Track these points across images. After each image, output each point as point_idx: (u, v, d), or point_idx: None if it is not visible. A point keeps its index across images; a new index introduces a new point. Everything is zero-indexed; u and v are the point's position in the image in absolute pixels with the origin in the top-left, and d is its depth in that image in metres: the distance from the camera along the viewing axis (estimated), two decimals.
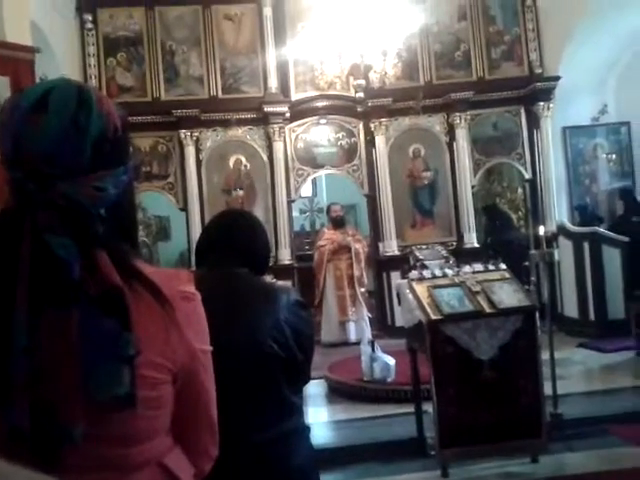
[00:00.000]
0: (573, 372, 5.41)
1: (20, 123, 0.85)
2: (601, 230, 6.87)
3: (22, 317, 0.79)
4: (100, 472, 0.85)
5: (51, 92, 0.87)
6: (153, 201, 8.45)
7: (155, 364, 0.88)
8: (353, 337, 7.30)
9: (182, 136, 7.60)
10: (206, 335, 0.99)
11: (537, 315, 3.73)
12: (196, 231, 7.27)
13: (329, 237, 7.70)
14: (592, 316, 6.71)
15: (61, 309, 0.80)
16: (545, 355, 3.92)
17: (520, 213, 8.23)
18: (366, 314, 7.52)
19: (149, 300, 0.88)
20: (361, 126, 8.01)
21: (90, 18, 7.52)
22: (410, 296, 3.84)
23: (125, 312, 0.83)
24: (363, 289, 7.58)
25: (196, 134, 7.66)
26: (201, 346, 0.97)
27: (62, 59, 6.72)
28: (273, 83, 7.79)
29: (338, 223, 7.79)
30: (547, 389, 3.83)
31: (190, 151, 7.63)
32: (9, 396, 0.79)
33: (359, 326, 7.40)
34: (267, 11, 7.82)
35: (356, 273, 7.51)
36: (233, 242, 1.71)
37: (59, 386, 0.80)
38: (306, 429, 1.67)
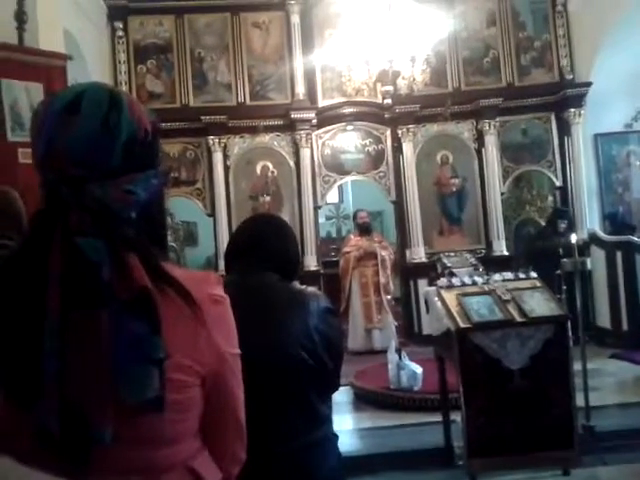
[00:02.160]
0: (606, 383, 5.28)
1: (53, 125, 0.85)
2: (634, 239, 6.72)
3: (54, 319, 0.79)
4: (127, 475, 0.85)
5: (84, 95, 0.87)
6: (181, 207, 8.51)
7: (184, 367, 0.88)
8: (379, 345, 7.22)
9: (210, 142, 7.66)
10: (235, 339, 0.99)
11: (569, 325, 3.65)
12: (223, 237, 7.30)
13: (355, 243, 7.67)
14: (625, 326, 6.56)
15: (90, 311, 0.80)
16: (577, 366, 3.83)
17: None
18: (392, 322, 7.45)
19: (178, 303, 0.88)
20: (388, 133, 7.98)
21: (121, 26, 7.64)
22: (439, 304, 3.79)
23: (155, 315, 0.83)
24: (389, 296, 7.52)
25: (224, 140, 7.72)
26: (230, 350, 0.96)
27: (93, 66, 6.83)
28: (300, 90, 7.81)
29: (364, 229, 7.75)
30: (579, 400, 3.74)
31: (218, 157, 7.68)
32: (39, 398, 0.78)
33: (385, 334, 7.33)
34: (295, 18, 7.86)
35: (382, 280, 7.45)
36: (264, 247, 1.68)
37: (89, 388, 0.80)
38: (334, 438, 1.64)
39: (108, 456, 0.82)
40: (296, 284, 1.74)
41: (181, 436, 0.90)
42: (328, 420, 1.62)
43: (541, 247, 6.64)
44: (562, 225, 6.83)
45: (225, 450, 1.00)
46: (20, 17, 4.35)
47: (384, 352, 5.93)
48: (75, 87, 0.91)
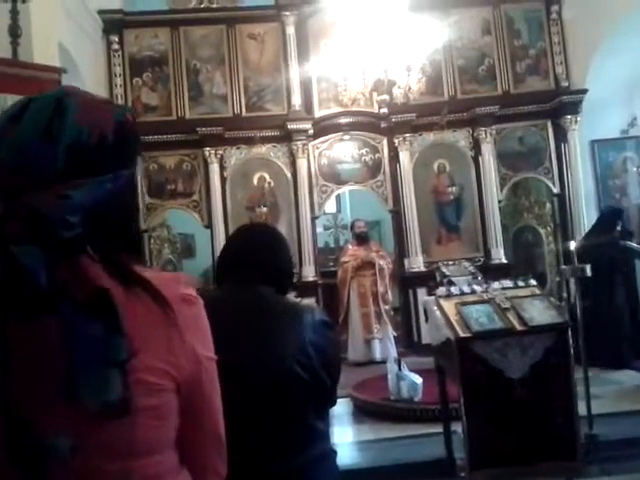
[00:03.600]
0: (608, 391, 5.24)
1: None
2: (634, 245, 6.69)
3: None
4: None
5: (30, 103, 0.86)
6: (178, 219, 8.49)
7: (156, 369, 0.85)
8: (378, 356, 7.18)
9: (206, 154, 7.65)
10: (210, 341, 0.95)
11: (569, 332, 3.62)
12: (221, 248, 7.26)
13: (353, 253, 7.64)
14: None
15: (32, 319, 0.78)
16: (578, 373, 3.79)
17: (549, 228, 8.08)
18: (391, 332, 7.40)
19: (149, 303, 0.85)
20: (385, 142, 7.98)
21: (116, 39, 7.66)
22: (438, 313, 3.75)
23: (113, 314, 0.80)
24: (387, 306, 7.47)
25: (220, 152, 7.71)
26: (205, 352, 0.93)
27: (89, 79, 6.83)
28: (296, 100, 7.82)
29: (362, 239, 7.73)
30: (581, 409, 3.70)
31: (214, 169, 7.67)
32: None
33: (384, 344, 7.29)
34: (290, 29, 7.88)
35: (380, 290, 7.41)
36: (257, 259, 1.63)
37: (38, 400, 0.77)
38: (332, 454, 1.59)
39: (77, 469, 0.79)
40: (290, 297, 1.69)
41: (157, 446, 0.87)
42: (325, 436, 1.57)
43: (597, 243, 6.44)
44: (618, 228, 6.64)
45: (205, 465, 0.97)
46: (14, 31, 4.34)
47: (384, 362, 5.89)
48: (28, 97, 0.89)
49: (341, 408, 5.27)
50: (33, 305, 0.78)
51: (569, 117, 7.71)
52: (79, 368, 0.77)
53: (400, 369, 5.06)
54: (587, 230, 7.13)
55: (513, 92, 7.95)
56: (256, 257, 1.64)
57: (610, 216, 6.60)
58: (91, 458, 0.80)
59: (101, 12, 7.40)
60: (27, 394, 0.77)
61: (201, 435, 0.95)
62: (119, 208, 0.91)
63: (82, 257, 0.82)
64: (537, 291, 3.88)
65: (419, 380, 4.95)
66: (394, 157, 7.90)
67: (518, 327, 3.55)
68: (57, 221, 0.81)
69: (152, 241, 7.86)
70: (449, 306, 3.72)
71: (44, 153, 0.83)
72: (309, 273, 7.68)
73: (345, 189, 8.48)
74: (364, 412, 5.21)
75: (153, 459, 0.86)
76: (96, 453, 0.80)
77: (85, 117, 0.86)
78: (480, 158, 7.85)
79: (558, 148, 7.88)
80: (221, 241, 7.43)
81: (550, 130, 7.94)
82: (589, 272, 4.33)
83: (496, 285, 3.94)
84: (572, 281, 4.51)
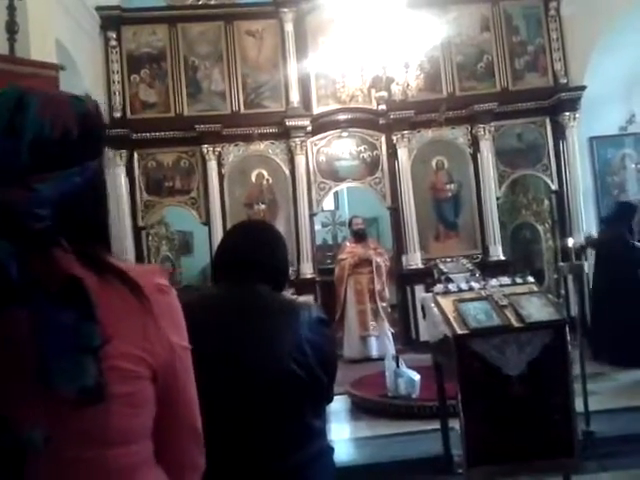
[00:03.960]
0: (605, 388, 5.25)
1: None
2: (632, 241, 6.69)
3: None
4: (79, 477, 0.82)
5: None
6: (176, 216, 8.49)
7: (132, 356, 0.86)
8: (375, 353, 7.19)
9: (204, 151, 7.64)
10: (184, 331, 0.97)
11: (567, 329, 3.62)
12: (217, 246, 7.26)
13: (350, 250, 7.64)
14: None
15: (2, 311, 0.78)
16: (576, 370, 3.80)
17: (547, 225, 8.08)
18: (388, 329, 7.40)
19: (124, 292, 0.87)
20: (383, 139, 7.97)
21: (114, 36, 7.64)
22: (435, 310, 3.75)
23: (86, 302, 0.81)
24: (384, 303, 7.47)
25: (218, 149, 7.70)
26: (180, 342, 0.94)
27: (86, 76, 6.82)
28: (295, 97, 7.80)
29: (359, 236, 7.72)
30: (578, 406, 3.70)
31: (212, 166, 7.66)
32: None
33: (381, 341, 7.29)
34: (288, 26, 7.87)
35: (377, 287, 7.41)
36: (253, 256, 1.63)
37: (12, 393, 0.78)
38: (329, 451, 1.59)
39: (53, 458, 0.80)
40: (287, 294, 1.69)
41: (133, 435, 0.87)
42: (322, 433, 1.57)
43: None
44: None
45: (183, 457, 0.97)
46: (11, 27, 4.32)
47: (380, 359, 5.90)
48: None
49: (338, 405, 5.28)
50: (4, 297, 0.78)
51: (567, 114, 7.70)
52: (52, 356, 0.78)
53: (398, 366, 5.06)
54: (602, 221, 7.09)
55: (512, 89, 7.94)
56: (253, 255, 1.63)
57: (625, 210, 6.54)
58: (66, 447, 0.81)
59: (99, 8, 7.38)
60: (1, 388, 0.78)
61: (177, 426, 0.96)
62: (88, 200, 0.92)
63: (55, 249, 0.83)
64: (535, 288, 3.88)
65: (417, 377, 4.95)
66: (392, 154, 7.89)
67: (516, 324, 3.55)
68: (26, 214, 0.81)
69: (150, 238, 7.86)
70: (447, 303, 3.72)
71: (7, 148, 0.84)
72: (307, 270, 7.68)
73: (343, 186, 8.47)
74: (361, 409, 5.21)
75: (128, 449, 0.86)
76: (71, 442, 0.81)
77: (46, 111, 0.87)
78: (478, 155, 7.85)
79: (556, 145, 7.87)
80: (219, 238, 7.38)
81: (549, 127, 7.93)
82: (586, 269, 4.33)
83: (494, 282, 3.94)
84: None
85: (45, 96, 0.89)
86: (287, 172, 7.85)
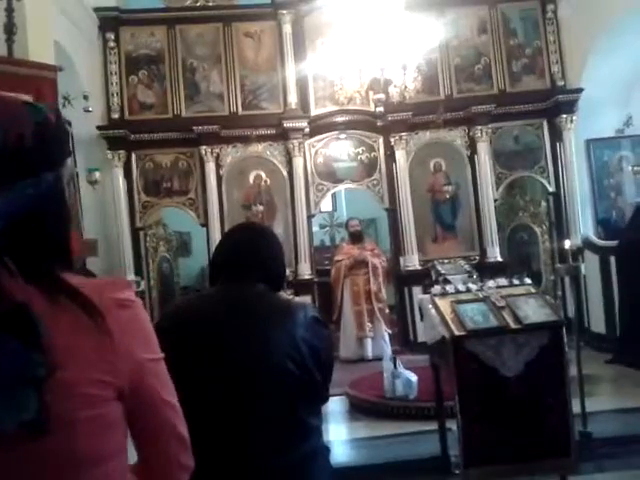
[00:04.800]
0: (602, 389, 5.27)
1: None
2: None
3: None
4: None
5: None
6: (174, 217, 8.49)
7: (92, 380, 0.83)
8: (370, 354, 7.21)
9: (202, 152, 7.65)
10: (152, 343, 0.94)
11: (564, 330, 3.63)
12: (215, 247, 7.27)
13: (347, 252, 7.65)
14: (619, 331, 6.55)
15: None
16: (573, 371, 3.81)
17: (544, 227, 8.10)
18: (385, 330, 7.41)
19: (78, 313, 0.83)
20: (381, 141, 7.99)
21: (112, 37, 7.65)
22: (433, 311, 3.77)
23: (32, 329, 0.76)
24: (381, 305, 7.47)
25: (216, 150, 7.71)
26: (147, 355, 0.91)
27: (85, 77, 6.83)
28: (293, 99, 7.82)
29: (356, 238, 7.74)
30: (575, 407, 3.71)
31: (210, 167, 7.67)
32: None
33: (377, 343, 7.30)
34: (286, 28, 7.88)
35: (373, 288, 7.42)
36: (247, 257, 1.66)
37: None
38: (325, 450, 1.60)
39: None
40: (283, 294, 1.71)
41: (104, 455, 0.85)
42: (318, 432, 1.58)
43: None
44: None
45: (169, 460, 0.96)
46: (9, 29, 4.33)
47: (376, 360, 5.91)
48: None
49: (336, 406, 5.28)
50: None
51: (565, 116, 7.72)
52: None
53: (395, 367, 5.07)
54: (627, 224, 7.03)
55: (509, 91, 7.96)
56: (249, 256, 1.66)
57: None
58: (27, 472, 0.78)
59: (97, 10, 7.39)
60: None
61: (158, 432, 0.94)
62: (44, 213, 0.86)
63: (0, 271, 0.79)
64: (532, 289, 3.90)
65: (414, 378, 4.96)
66: (390, 156, 7.90)
67: (513, 325, 3.56)
68: None
69: (148, 239, 7.85)
70: (444, 304, 3.73)
71: None
72: (305, 271, 7.69)
73: (341, 187, 8.48)
74: (359, 410, 5.22)
75: (103, 468, 0.84)
76: (32, 467, 0.78)
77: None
78: (476, 157, 7.87)
79: (554, 147, 7.89)
80: (217, 239, 7.37)
81: (546, 129, 7.95)
82: (583, 270, 4.34)
83: (491, 283, 3.95)
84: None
85: None
86: (285, 173, 7.86)
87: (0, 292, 0.78)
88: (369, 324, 7.34)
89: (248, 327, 1.52)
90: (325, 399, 1.65)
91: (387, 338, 7.38)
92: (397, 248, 7.93)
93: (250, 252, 1.67)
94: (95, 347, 0.84)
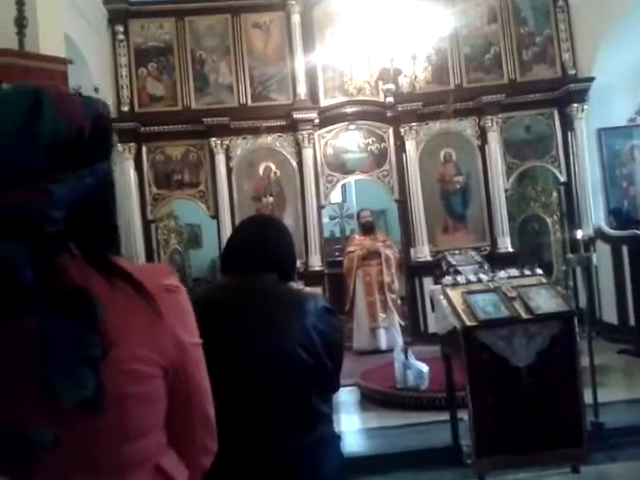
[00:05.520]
0: (614, 379, 5.25)
1: None
2: None
3: None
4: (94, 471, 0.85)
5: (3, 100, 0.86)
6: (184, 209, 8.52)
7: (142, 358, 0.88)
8: (384, 345, 7.21)
9: (212, 144, 7.66)
10: (194, 328, 0.99)
11: (575, 321, 3.63)
12: (227, 239, 7.29)
13: (359, 243, 7.65)
14: (632, 322, 6.52)
15: (12, 316, 0.79)
16: (584, 362, 3.80)
17: (555, 217, 8.06)
18: (397, 321, 7.42)
19: (131, 294, 0.88)
20: (391, 131, 7.96)
21: (121, 29, 7.65)
22: (444, 302, 3.77)
23: (90, 313, 0.82)
24: (394, 295, 7.48)
25: (226, 142, 7.71)
26: (189, 339, 0.96)
27: (94, 70, 6.84)
28: (302, 90, 7.80)
29: (368, 229, 7.74)
30: (587, 397, 3.71)
31: (220, 159, 7.68)
32: None
33: (390, 333, 7.31)
34: (295, 18, 7.85)
35: (386, 279, 7.42)
36: (261, 249, 1.68)
37: (19, 394, 0.80)
38: (336, 438, 1.63)
39: (67, 453, 0.82)
40: (294, 285, 1.73)
41: (147, 430, 0.91)
42: (328, 420, 1.60)
43: None
44: None
45: (194, 441, 1.01)
46: (20, 22, 4.34)
47: (389, 351, 5.92)
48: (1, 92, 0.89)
49: (348, 396, 5.31)
50: (14, 302, 0.79)
51: (576, 105, 7.65)
52: (53, 366, 0.79)
53: (407, 358, 5.08)
54: None
55: (519, 80, 7.90)
56: (259, 247, 1.68)
57: None
58: (79, 444, 0.83)
59: (106, 2, 7.39)
60: (9, 391, 0.79)
61: (189, 415, 0.99)
62: (98, 201, 0.92)
63: (61, 255, 0.84)
64: (543, 280, 3.89)
65: (425, 369, 4.97)
66: (400, 146, 7.88)
67: (524, 316, 3.56)
68: (42, 217, 0.82)
69: (159, 231, 7.89)
70: (455, 295, 3.73)
71: (23, 149, 0.83)
72: (315, 263, 7.70)
73: (351, 179, 8.46)
74: (371, 400, 5.24)
75: (143, 441, 0.90)
76: (84, 439, 0.84)
77: (62, 112, 0.86)
78: (486, 147, 7.82)
79: (565, 136, 7.83)
80: (227, 231, 7.44)
81: (557, 118, 7.89)
82: (595, 260, 4.33)
83: (502, 274, 3.95)
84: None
85: (59, 96, 0.89)
86: (295, 165, 7.86)
87: (61, 276, 0.82)
88: (382, 315, 7.35)
89: (260, 317, 1.54)
90: (336, 387, 1.67)
91: (399, 329, 7.38)
92: (407, 239, 7.92)
93: (260, 243, 1.69)
94: (145, 327, 0.89)
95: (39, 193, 0.82)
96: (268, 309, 1.56)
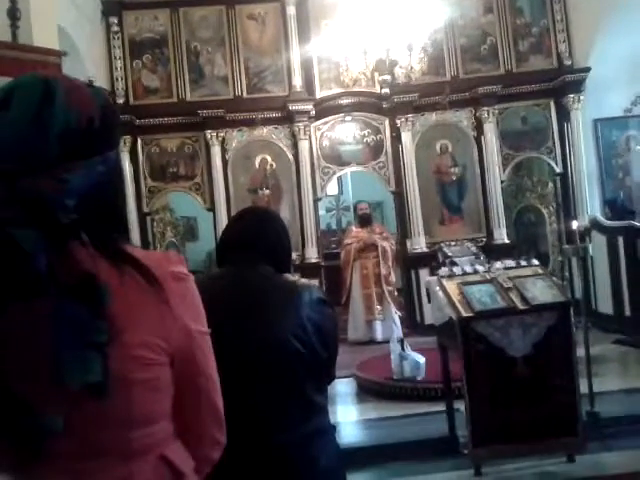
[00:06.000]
0: (609, 369, 5.27)
1: None
2: (636, 224, 6.69)
3: None
4: (100, 458, 0.85)
5: (14, 90, 0.87)
6: (180, 202, 8.50)
7: (150, 344, 0.88)
8: (380, 336, 7.23)
9: (208, 136, 7.63)
10: (202, 316, 0.99)
11: (571, 311, 3.64)
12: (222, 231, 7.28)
13: (355, 235, 7.66)
14: (628, 312, 6.55)
15: (26, 301, 0.80)
16: (580, 352, 3.82)
17: (551, 208, 8.07)
18: (394, 312, 7.43)
19: (140, 281, 0.88)
20: (387, 122, 7.95)
21: (116, 21, 7.61)
22: (440, 293, 3.78)
23: (98, 299, 0.83)
24: (390, 287, 7.49)
25: (222, 134, 7.69)
26: (197, 327, 0.96)
27: (89, 62, 6.80)
28: (298, 81, 7.77)
29: (364, 221, 7.74)
30: (583, 387, 3.73)
31: (216, 151, 7.66)
32: None
33: (386, 325, 7.32)
34: (291, 9, 7.81)
35: (383, 271, 7.43)
36: (256, 240, 1.68)
37: (30, 378, 0.80)
38: (331, 429, 1.63)
39: (75, 439, 0.83)
40: (289, 276, 1.73)
41: (154, 417, 0.91)
42: (324, 411, 1.60)
43: None
44: None
45: (202, 433, 1.00)
46: (13, 14, 4.31)
47: (385, 342, 5.93)
48: (11, 82, 0.90)
49: (345, 387, 5.32)
50: (29, 289, 0.80)
51: (572, 96, 7.65)
52: (62, 350, 0.80)
53: (403, 349, 5.09)
54: None
55: (515, 71, 7.89)
56: (254, 238, 1.68)
57: None
58: (86, 430, 0.84)
59: None
60: (23, 375, 0.80)
61: (197, 405, 0.98)
62: (108, 189, 0.94)
63: (73, 242, 0.85)
64: (539, 270, 3.90)
65: (422, 359, 4.98)
66: (396, 138, 7.87)
67: (520, 306, 3.57)
68: (57, 205, 0.84)
69: (155, 224, 7.88)
70: (451, 286, 3.74)
71: (37, 139, 0.84)
72: (312, 255, 7.70)
73: (347, 170, 8.45)
74: (367, 391, 5.25)
75: (150, 429, 0.90)
76: (92, 425, 0.84)
77: (73, 102, 0.88)
78: (482, 138, 7.82)
79: (561, 127, 7.83)
80: (223, 224, 7.38)
81: (553, 109, 7.89)
82: (591, 251, 4.33)
83: (498, 265, 3.96)
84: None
85: (69, 87, 0.90)
86: (291, 157, 7.84)
87: (72, 263, 0.83)
88: (378, 307, 7.36)
89: (254, 307, 1.54)
90: (331, 378, 1.68)
91: (397, 320, 7.40)
92: (404, 231, 7.92)
93: (255, 234, 1.69)
94: (153, 314, 0.90)
95: (53, 182, 0.84)
96: (262, 300, 1.56)
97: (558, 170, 7.88)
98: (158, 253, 1.03)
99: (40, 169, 0.84)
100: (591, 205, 7.62)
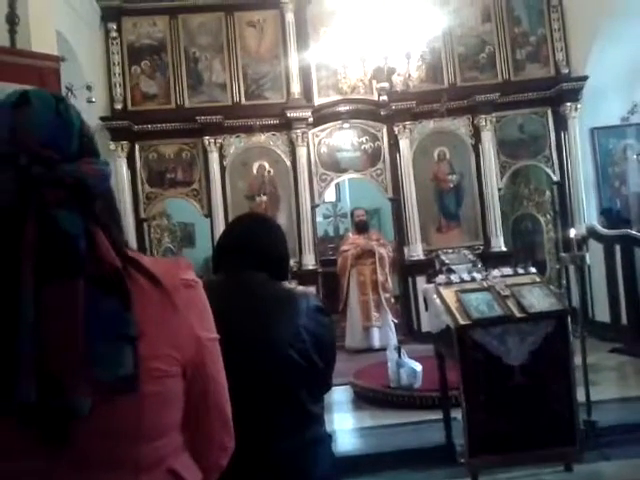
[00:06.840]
0: (606, 378, 5.26)
1: (9, 117, 0.87)
2: (633, 232, 6.70)
3: (28, 292, 0.78)
4: (109, 472, 0.83)
5: (28, 93, 0.89)
6: (178, 208, 8.49)
7: (163, 356, 0.87)
8: (377, 343, 7.21)
9: (206, 143, 7.64)
10: (211, 323, 0.98)
11: (569, 319, 3.63)
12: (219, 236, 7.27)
13: (353, 242, 7.65)
14: (624, 320, 6.55)
15: (67, 280, 0.80)
16: (577, 360, 3.81)
17: (548, 216, 8.07)
18: (391, 320, 7.42)
19: (147, 287, 0.87)
20: (385, 130, 7.96)
21: (114, 27, 7.62)
22: (437, 301, 3.77)
23: (126, 292, 0.83)
24: (387, 294, 7.49)
25: (220, 140, 7.69)
26: (207, 334, 0.96)
27: (87, 68, 6.81)
28: (296, 88, 7.79)
29: (362, 228, 7.74)
30: (580, 395, 3.72)
31: (214, 157, 7.66)
32: (16, 372, 0.77)
33: (383, 332, 7.31)
34: (289, 17, 7.84)
35: (380, 278, 7.43)
36: (252, 247, 1.66)
37: (64, 359, 0.79)
38: (327, 438, 1.61)
39: (88, 448, 0.81)
40: (286, 284, 1.72)
41: (164, 430, 0.89)
42: (319, 420, 1.59)
43: None
44: None
45: (211, 439, 0.99)
46: (12, 19, 4.31)
47: (382, 350, 5.91)
48: (16, 90, 0.92)
49: (341, 395, 5.30)
50: (71, 269, 0.80)
51: (569, 104, 7.67)
52: (95, 339, 0.79)
53: (400, 356, 5.08)
54: None
55: (513, 79, 7.92)
56: (251, 245, 1.67)
57: None
58: (96, 442, 0.82)
59: (99, 0, 7.36)
60: (57, 355, 0.79)
61: (207, 412, 0.97)
62: (113, 192, 0.95)
63: (97, 231, 0.85)
64: (537, 278, 3.90)
65: (419, 367, 4.97)
66: (394, 145, 7.88)
67: (517, 314, 3.56)
68: (98, 192, 0.86)
69: (152, 230, 7.86)
70: (449, 294, 3.73)
71: (64, 131, 0.88)
72: (309, 262, 7.69)
73: (345, 177, 8.46)
74: (364, 399, 5.23)
75: (159, 442, 0.88)
76: (101, 438, 0.82)
77: (75, 109, 0.92)
78: (480, 146, 7.84)
79: (558, 136, 7.85)
80: (221, 230, 7.36)
81: (550, 117, 7.91)
82: (588, 260, 4.34)
83: (496, 273, 3.96)
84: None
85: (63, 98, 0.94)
86: (288, 164, 7.84)
87: (100, 252, 0.84)
88: (375, 314, 7.35)
89: (250, 315, 1.52)
90: (328, 387, 1.66)
91: (393, 328, 7.38)
92: (401, 238, 7.92)
93: (252, 241, 1.67)
94: (164, 323, 0.88)
95: (93, 167, 0.87)
96: (258, 308, 1.54)
97: (555, 178, 7.89)
98: (167, 260, 1.02)
99: (70, 159, 0.86)
100: (588, 213, 7.63)
